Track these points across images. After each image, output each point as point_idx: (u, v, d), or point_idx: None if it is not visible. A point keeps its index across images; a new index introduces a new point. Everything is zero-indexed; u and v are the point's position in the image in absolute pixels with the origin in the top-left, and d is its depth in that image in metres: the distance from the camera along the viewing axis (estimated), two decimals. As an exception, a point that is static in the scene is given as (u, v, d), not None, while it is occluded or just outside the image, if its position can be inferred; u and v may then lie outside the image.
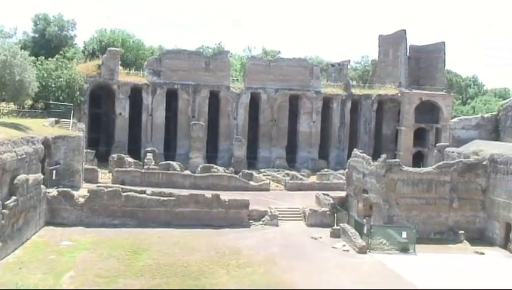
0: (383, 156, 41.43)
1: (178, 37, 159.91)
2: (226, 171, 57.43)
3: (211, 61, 69.01)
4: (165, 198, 40.71)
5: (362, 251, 34.99)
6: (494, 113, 47.93)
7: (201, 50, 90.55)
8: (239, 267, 30.57)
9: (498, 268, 32.96)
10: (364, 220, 39.58)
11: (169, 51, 71.88)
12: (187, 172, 55.59)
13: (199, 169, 57.24)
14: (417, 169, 42.71)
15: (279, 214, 42.90)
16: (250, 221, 41.46)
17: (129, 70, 69.95)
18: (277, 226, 41.14)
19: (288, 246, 35.79)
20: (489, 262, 34.38)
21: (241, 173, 57.73)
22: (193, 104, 67.79)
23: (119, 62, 66.87)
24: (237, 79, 76.11)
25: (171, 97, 68.06)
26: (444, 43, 76.10)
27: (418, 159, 69.15)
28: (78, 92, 59.85)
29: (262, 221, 41.63)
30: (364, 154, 45.19)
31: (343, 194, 47.68)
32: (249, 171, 59.26)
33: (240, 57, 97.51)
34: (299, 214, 44.40)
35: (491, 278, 30.62)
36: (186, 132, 66.12)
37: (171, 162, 58.48)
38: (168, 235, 36.71)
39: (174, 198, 40.60)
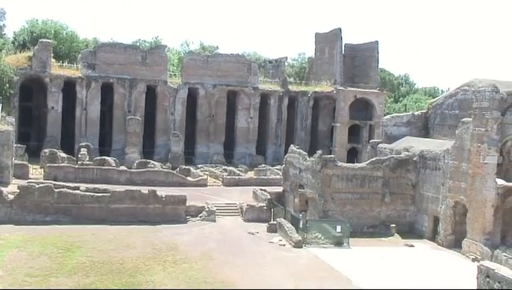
0: (319, 152, 42.20)
1: (114, 30, 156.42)
2: (163, 166, 56.91)
3: (147, 55, 68.04)
4: (100, 194, 39.81)
5: (298, 245, 35.56)
6: (424, 111, 49.69)
7: (137, 44, 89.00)
8: (176, 263, 30.37)
9: (426, 259, 34.35)
10: (300, 215, 40.25)
11: (105, 44, 70.29)
12: (123, 168, 54.61)
13: (135, 164, 56.36)
14: (351, 165, 43.81)
15: (217, 209, 42.91)
16: (188, 217, 41.25)
17: (62, 63, 67.87)
18: (214, 221, 41.14)
19: (226, 242, 35.89)
20: (418, 254, 35.78)
21: (178, 169, 57.35)
22: (129, 99, 66.64)
23: (52, 54, 64.71)
24: (175, 74, 75.42)
25: (107, 91, 66.57)
26: (377, 42, 78.40)
27: (353, 155, 71.02)
28: (7, 85, 57.49)
29: (200, 217, 41.52)
30: (301, 150, 45.91)
31: (280, 189, 48.25)
32: (187, 167, 58.95)
33: (178, 52, 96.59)
34: (237, 209, 44.58)
35: (420, 268, 31.89)
36: (122, 126, 64.91)
37: (106, 157, 57.25)
38: (103, 232, 35.95)
39: (109, 194, 39.77)
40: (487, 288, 20.15)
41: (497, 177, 35.05)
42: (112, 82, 65.90)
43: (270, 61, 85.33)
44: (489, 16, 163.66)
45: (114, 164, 54.69)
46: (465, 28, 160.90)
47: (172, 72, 76.73)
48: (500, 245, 33.96)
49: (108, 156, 59.07)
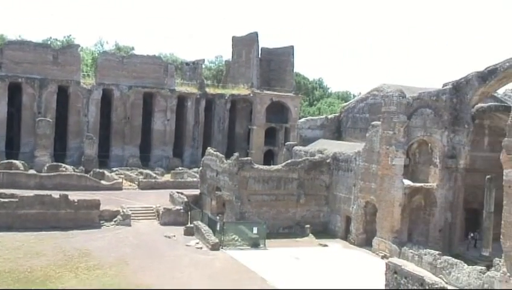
0: (236, 154, 42.48)
1: (23, 28, 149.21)
2: (76, 170, 55.12)
3: (59, 54, 65.60)
4: (6, 199, 37.87)
5: (215, 247, 35.58)
6: (337, 114, 51.35)
7: (48, 42, 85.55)
8: (88, 269, 29.45)
9: (339, 258, 35.51)
10: (218, 217, 40.32)
11: (12, 42, 67.14)
12: (32, 171, 52.29)
13: (46, 168, 54.09)
14: (267, 167, 44.46)
15: (132, 213, 42.08)
16: (102, 221, 40.14)
17: (-36, 61, 63.86)
18: (130, 226, 40.30)
19: (141, 246, 35.26)
20: (331, 253, 36.90)
21: (92, 172, 55.74)
22: (39, 100, 63.94)
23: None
24: (88, 74, 73.24)
25: (15, 91, 63.44)
26: (292, 47, 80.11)
27: (269, 157, 72.09)
28: None
29: (114, 221, 40.54)
30: (218, 153, 46.00)
31: (197, 192, 48.09)
32: (101, 170, 57.42)
33: (91, 52, 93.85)
34: (153, 213, 43.93)
35: (332, 267, 32.89)
36: (31, 128, 62.12)
37: (14, 161, 54.55)
38: (10, 239, 34.20)
39: (16, 199, 37.91)
40: (395, 283, 21.14)
41: (404, 178, 36.88)
42: (20, 82, 62.94)
43: (187, 64, 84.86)
44: (398, 24, 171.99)
45: (22, 168, 52.24)
46: (375, 34, 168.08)
47: (86, 72, 74.49)
48: (407, 242, 35.72)
49: (16, 159, 56.35)
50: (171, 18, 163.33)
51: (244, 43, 79.21)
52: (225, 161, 43.14)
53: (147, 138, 70.63)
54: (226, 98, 74.86)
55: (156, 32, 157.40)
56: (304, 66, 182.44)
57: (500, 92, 41.41)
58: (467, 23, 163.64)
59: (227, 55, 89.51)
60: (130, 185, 55.00)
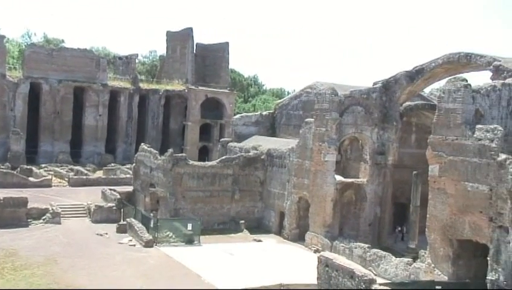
0: (170, 150, 42.12)
1: None
2: (1, 166, 52.93)
3: (-17, 45, 62.51)
4: None
5: (148, 244, 35.14)
6: (272, 111, 51.93)
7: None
8: (15, 270, 28.35)
9: (272, 253, 35.97)
10: (151, 214, 39.83)
11: None
12: (-47, 168, 49.68)
13: (-32, 165, 51.57)
14: (202, 163, 44.39)
15: (62, 211, 40.86)
16: (29, 220, 38.72)
17: None
18: (59, 224, 39.13)
19: (72, 245, 34.31)
20: (265, 248, 37.33)
21: (19, 169, 53.67)
22: (-40, 93, 60.73)
23: None
24: (15, 67, 70.25)
25: None
26: (227, 43, 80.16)
27: (204, 154, 71.87)
28: None
29: (43, 219, 39.21)
30: (152, 149, 45.42)
31: (130, 189, 47.31)
32: (28, 167, 55.42)
33: (18, 44, 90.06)
34: (84, 210, 42.84)
35: (266, 262, 33.27)
36: (-48, 123, 58.95)
37: None
38: None
39: None
40: (326, 276, 21.69)
41: (336, 174, 37.79)
42: None
43: (120, 58, 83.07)
44: (332, 23, 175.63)
45: None
46: (309, 32, 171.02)
47: (12, 65, 71.39)
48: (339, 236, 36.67)
49: None
50: (104, 11, 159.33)
51: (179, 39, 78.44)
52: (159, 157, 42.67)
53: (78, 134, 68.66)
54: (161, 93, 73.93)
55: (88, 25, 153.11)
56: (239, 63, 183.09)
57: (427, 91, 43.25)
58: (398, 24, 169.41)
59: (161, 50, 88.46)
60: (60, 182, 53.35)
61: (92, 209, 41.80)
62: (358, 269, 20.78)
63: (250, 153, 43.89)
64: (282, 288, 24.93)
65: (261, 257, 34.50)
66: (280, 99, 63.32)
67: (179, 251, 34.48)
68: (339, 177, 37.97)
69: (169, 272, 29.97)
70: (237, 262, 32.97)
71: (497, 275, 24.50)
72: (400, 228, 40.71)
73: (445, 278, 27.22)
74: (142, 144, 49.00)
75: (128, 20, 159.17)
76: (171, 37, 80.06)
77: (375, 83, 39.64)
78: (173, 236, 36.98)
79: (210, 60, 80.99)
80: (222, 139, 54.37)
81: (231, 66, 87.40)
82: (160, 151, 46.77)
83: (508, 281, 24.08)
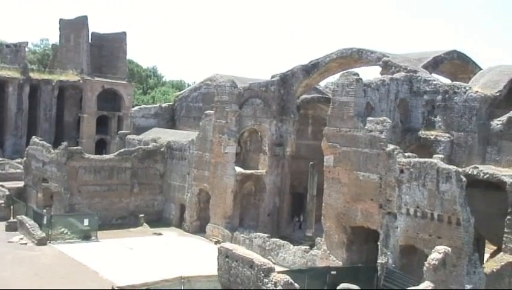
0: (64, 143, 40.47)
1: None
2: None
3: None
4: None
5: (42, 242, 33.55)
6: (171, 103, 51.38)
7: None
8: None
9: (173, 246, 35.77)
10: (44, 211, 38.06)
11: None
12: None
13: None
14: (99, 156, 43.08)
15: None
16: None
17: None
18: None
19: (-45, 245, 31.99)
20: (166, 241, 37.02)
21: None
22: None
23: None
24: None
25: None
26: (125, 33, 78.07)
27: (101, 147, 69.67)
28: None
29: None
30: (44, 142, 43.32)
31: (21, 184, 44.84)
32: None
33: None
34: (-31, 208, 40.02)
35: (167, 255, 33.03)
36: None
37: None
38: None
39: None
40: (226, 267, 21.89)
41: (236, 166, 38.23)
42: None
43: (7, 46, 77.92)
44: (231, 16, 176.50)
45: None
46: (209, 24, 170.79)
47: None
48: (239, 227, 37.18)
49: None
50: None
51: (73, 27, 75.14)
52: (52, 150, 40.81)
53: (-40, 126, 63.95)
54: (54, 84, 70.52)
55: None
56: (138, 54, 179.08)
57: (322, 84, 44.80)
58: (295, 18, 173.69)
59: (54, 38, 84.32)
60: None
61: (-22, 207, 39.19)
62: (258, 258, 21.13)
63: (149, 146, 43.21)
64: (182, 281, 24.83)
65: (161, 251, 34.17)
66: (180, 91, 62.72)
67: (75, 248, 33.27)
68: (238, 169, 38.44)
69: (64, 270, 28.84)
70: (137, 257, 32.42)
71: (386, 258, 26.04)
72: (297, 217, 42.00)
73: (339, 264, 28.50)
74: (34, 137, 46.57)
75: (17, 5, 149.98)
76: (65, 25, 76.47)
77: (273, 76, 40.51)
78: (68, 233, 35.58)
79: (107, 50, 78.42)
80: (120, 132, 53.05)
81: (129, 56, 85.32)
82: (53, 145, 44.76)
83: (396, 264, 25.69)
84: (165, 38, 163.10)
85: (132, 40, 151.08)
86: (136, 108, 52.39)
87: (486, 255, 27.86)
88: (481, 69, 33.92)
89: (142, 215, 40.86)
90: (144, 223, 40.34)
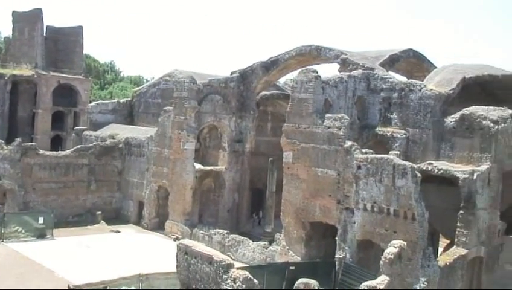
0: (18, 139, 39.46)
1: None
2: None
3: None
4: None
5: (-6, 241, 32.69)
6: (129, 99, 50.73)
7: None
8: None
9: (131, 243, 35.38)
10: (-3, 209, 37.03)
11: None
12: None
13: None
14: (55, 153, 42.09)
15: None
16: None
17: None
18: None
19: None
20: (124, 238, 36.59)
21: None
22: None
23: None
24: None
25: None
26: (81, 27, 76.42)
27: (57, 143, 68.11)
28: None
29: None
30: (-3, 138, 42.12)
31: (-28, 182, 43.47)
32: None
33: None
34: None
35: (125, 252, 32.65)
36: None
37: None
38: None
39: None
40: (185, 264, 21.79)
41: (195, 162, 38.09)
42: None
43: (-43, 38, 75.41)
44: (189, 11, 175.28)
45: None
46: (168, 19, 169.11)
47: None
48: (198, 224, 37.09)
49: None
50: None
51: (27, 20, 72.99)
52: (5, 147, 39.71)
53: None
54: (6, 78, 68.35)
55: None
56: (95, 48, 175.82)
57: (281, 81, 45.08)
58: (256, 14, 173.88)
59: (6, 31, 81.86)
60: None
61: None
62: (217, 254, 21.12)
63: (107, 142, 42.58)
64: (140, 278, 24.61)
65: (119, 248, 33.77)
66: (138, 87, 61.92)
67: (29, 247, 32.52)
68: (198, 165, 38.31)
69: (19, 269, 28.14)
70: (94, 255, 31.93)
71: (344, 253, 26.44)
72: (257, 214, 42.18)
73: (298, 259, 28.78)
74: (-14, 133, 45.22)
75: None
76: (18, 17, 74.23)
77: (232, 73, 40.50)
78: (23, 231, 34.74)
79: (62, 44, 76.51)
80: (76, 128, 52.00)
81: (86, 51, 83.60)
82: (6, 141, 43.59)
83: (353, 258, 26.12)
84: (122, 33, 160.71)
85: (89, 34, 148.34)
86: (93, 104, 51.51)
87: (440, 249, 28.65)
88: (435, 68, 34.75)
89: (100, 212, 40.27)
90: (102, 221, 39.75)
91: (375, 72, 31.27)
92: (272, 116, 44.49)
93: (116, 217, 41.54)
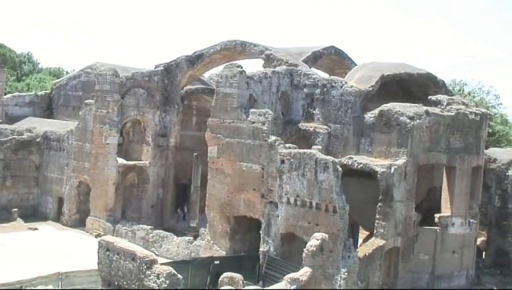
0: None
1: None
2: None
3: None
4: None
5: None
6: (48, 91, 48.87)
7: None
8: None
9: (50, 240, 34.19)
10: None
11: None
12: None
13: None
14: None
15: None
16: None
17: None
18: None
19: None
20: (42, 236, 35.29)
21: None
22: None
23: None
24: None
25: None
26: (-4, 15, 72.67)
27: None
28: None
29: None
30: None
31: None
32: None
33: None
34: None
35: (44, 250, 31.48)
36: None
37: None
38: None
39: None
40: (107, 260, 21.31)
41: (118, 157, 37.28)
42: None
43: None
44: (108, 4, 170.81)
45: None
46: (88, 11, 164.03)
47: None
48: (121, 220, 36.37)
49: None
50: None
51: None
52: None
53: None
54: None
55: None
56: (10, 38, 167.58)
57: (207, 75, 44.92)
58: (180, 8, 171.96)
59: None
60: None
61: None
62: (140, 250, 20.81)
63: (23, 136, 40.84)
64: (60, 277, 23.82)
65: (37, 246, 32.49)
66: (58, 79, 59.69)
67: None
68: (121, 160, 37.55)
69: None
70: (9, 253, 30.55)
71: (268, 246, 26.82)
72: (181, 208, 41.91)
73: (223, 253, 28.89)
74: None
75: None
76: None
77: (157, 66, 39.93)
78: None
79: (-25, 33, 72.58)
80: (-9, 121, 49.46)
81: (0, 41, 79.59)
82: None
83: (277, 251, 26.55)
84: (41, 24, 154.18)
85: (4, 23, 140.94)
86: (8, 96, 49.16)
87: (360, 240, 29.68)
88: (356, 65, 35.85)
89: (16, 209, 38.63)
90: (18, 218, 38.15)
91: (298, 69, 31.83)
92: (197, 110, 44.31)
93: (33, 214, 39.98)
